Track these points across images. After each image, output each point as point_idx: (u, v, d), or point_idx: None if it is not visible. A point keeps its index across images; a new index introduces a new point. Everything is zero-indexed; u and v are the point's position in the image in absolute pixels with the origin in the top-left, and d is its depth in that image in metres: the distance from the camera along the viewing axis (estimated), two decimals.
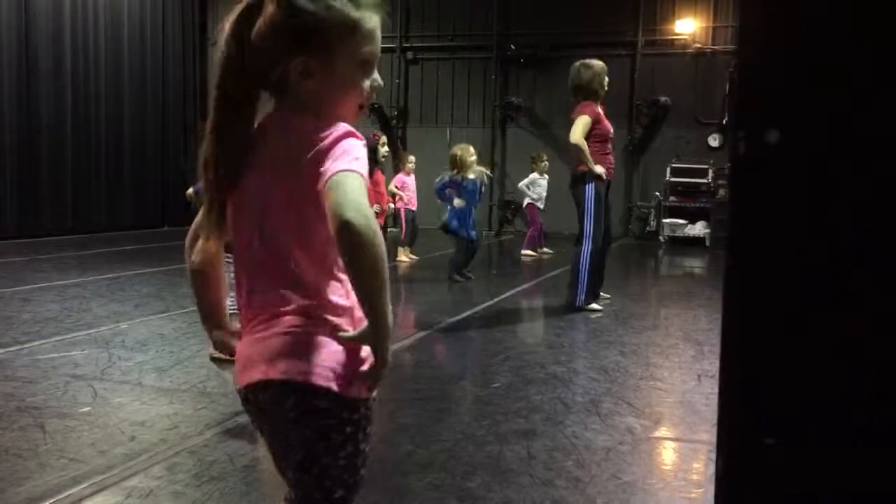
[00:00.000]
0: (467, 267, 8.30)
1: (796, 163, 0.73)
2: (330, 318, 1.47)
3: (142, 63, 14.34)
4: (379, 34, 1.55)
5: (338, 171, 1.37)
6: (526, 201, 11.18)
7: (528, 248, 11.04)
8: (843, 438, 0.73)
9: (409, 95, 15.60)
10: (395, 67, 15.42)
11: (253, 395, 1.56)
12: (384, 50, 13.26)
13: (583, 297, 6.43)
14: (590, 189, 6.33)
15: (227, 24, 1.53)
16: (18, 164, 11.85)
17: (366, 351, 1.45)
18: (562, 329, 5.88)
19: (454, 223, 8.09)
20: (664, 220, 13.64)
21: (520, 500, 2.76)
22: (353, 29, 1.49)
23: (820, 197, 0.72)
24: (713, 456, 3.22)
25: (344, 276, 1.48)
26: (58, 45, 12.48)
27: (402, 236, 9.89)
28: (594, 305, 6.51)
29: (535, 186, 11.06)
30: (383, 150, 7.21)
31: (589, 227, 6.36)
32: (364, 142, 1.48)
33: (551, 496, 2.80)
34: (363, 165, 1.42)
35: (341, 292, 1.49)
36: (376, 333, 1.39)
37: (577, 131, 6.25)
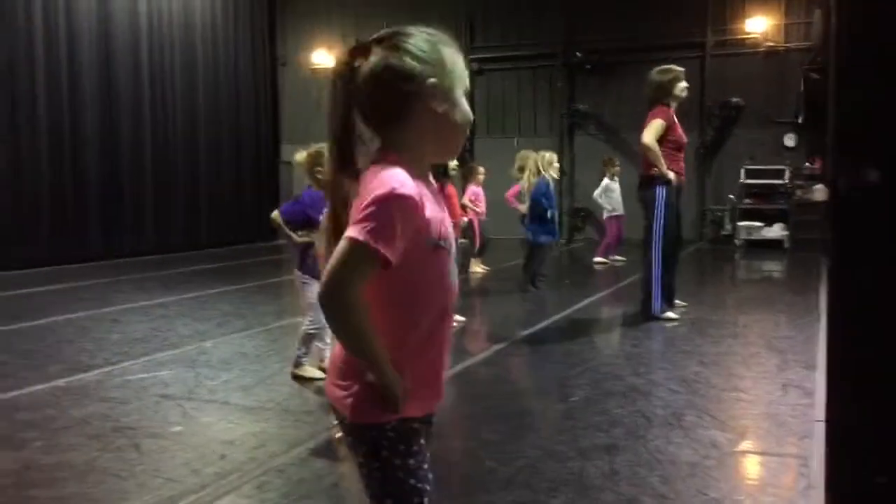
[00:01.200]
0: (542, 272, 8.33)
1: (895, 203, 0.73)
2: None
3: (215, 85, 14.75)
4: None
5: (346, 235, 1.50)
6: (605, 214, 11.08)
7: (601, 256, 10.94)
8: None
9: (476, 106, 15.65)
10: None
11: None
12: None
13: (658, 306, 6.35)
14: (660, 193, 6.25)
15: (333, 69, 1.63)
16: (101, 189, 12.31)
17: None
18: (638, 339, 5.82)
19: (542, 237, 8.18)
20: (739, 223, 13.35)
21: None
22: (450, 70, 1.58)
23: None
24: (802, 470, 3.17)
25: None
26: (136, 70, 12.94)
27: (476, 247, 9.90)
28: (670, 314, 6.42)
29: (610, 192, 10.95)
30: (452, 163, 7.23)
31: (658, 232, 6.28)
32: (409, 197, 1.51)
33: None
34: (380, 231, 1.48)
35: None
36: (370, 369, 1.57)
37: (650, 133, 6.22)
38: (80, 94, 11.91)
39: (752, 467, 3.32)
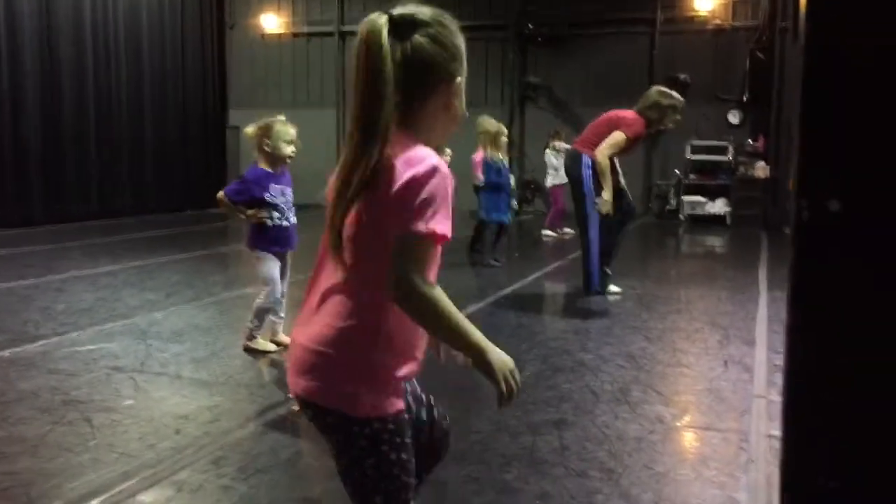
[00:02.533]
0: (496, 249, 8.35)
1: (856, 232, 0.79)
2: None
3: (161, 49, 14.42)
4: None
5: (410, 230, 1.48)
6: (550, 182, 11.20)
7: (549, 229, 11.08)
8: None
9: None
10: None
11: None
12: None
13: (597, 282, 6.46)
14: (586, 174, 6.22)
15: (369, 37, 1.53)
16: (43, 151, 12.00)
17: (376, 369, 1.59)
18: (587, 314, 5.95)
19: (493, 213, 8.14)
20: (684, 199, 13.63)
21: (556, 492, 2.84)
22: (462, 56, 1.63)
23: (879, 263, 0.79)
24: (743, 445, 3.32)
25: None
26: (78, 31, 12.58)
27: None
28: (612, 288, 6.57)
29: (553, 163, 11.07)
30: (448, 150, 7.03)
31: (591, 212, 6.26)
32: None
33: (586, 487, 2.89)
34: (440, 216, 1.49)
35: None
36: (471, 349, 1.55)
37: (608, 149, 6.07)
38: (19, 58, 11.58)
39: (695, 442, 3.46)
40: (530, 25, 14.56)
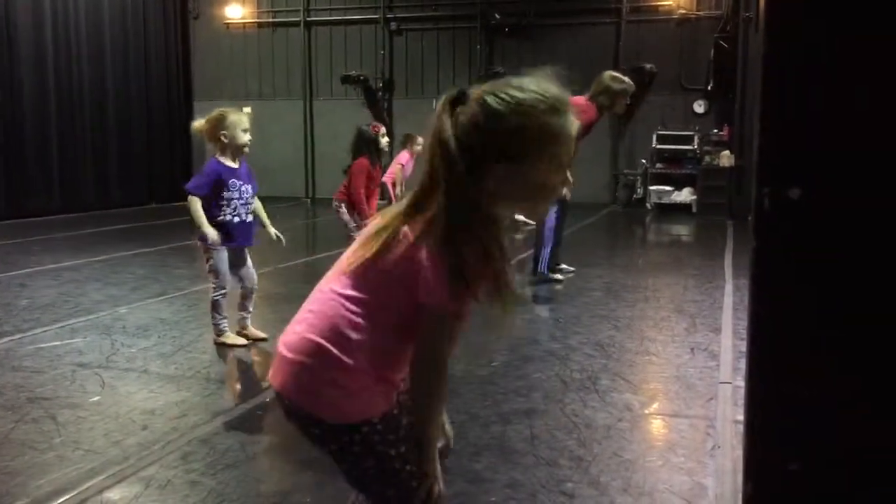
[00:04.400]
0: None
1: (817, 219, 0.80)
2: None
3: (123, 39, 14.20)
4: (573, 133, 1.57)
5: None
6: None
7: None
8: (863, 465, 0.81)
9: (395, 67, 15.53)
10: (379, 39, 15.33)
11: None
12: (367, 21, 13.14)
13: (545, 266, 6.58)
14: None
15: (440, 107, 1.59)
16: (4, 146, 11.78)
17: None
18: (555, 304, 5.98)
19: None
20: (651, 188, 13.74)
21: (526, 481, 2.86)
22: (555, 136, 1.53)
23: (839, 250, 0.80)
24: (710, 431, 3.36)
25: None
26: (37, 22, 12.34)
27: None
28: (558, 276, 6.66)
29: None
30: (384, 140, 6.87)
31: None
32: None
33: (556, 476, 2.91)
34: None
35: None
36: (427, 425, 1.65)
37: None
38: None
39: (663, 429, 3.50)
40: (497, 15, 14.56)
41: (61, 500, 2.71)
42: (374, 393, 1.61)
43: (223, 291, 4.64)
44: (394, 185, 9.61)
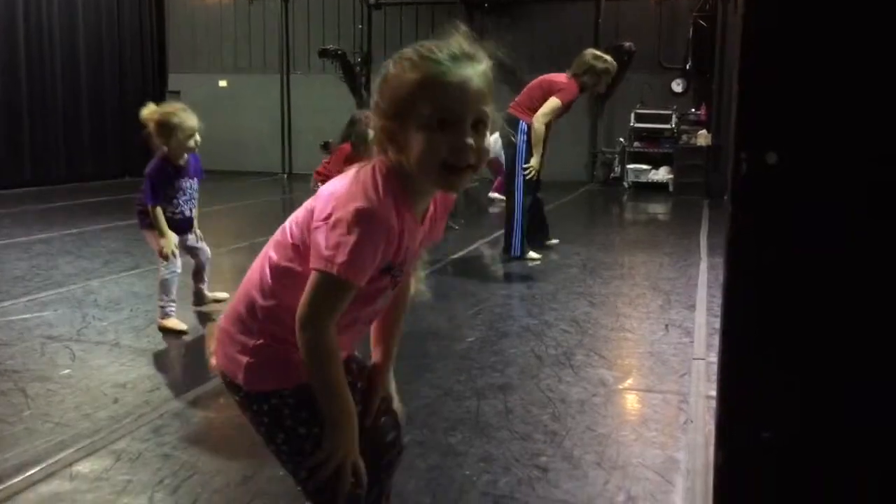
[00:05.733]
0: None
1: (793, 183, 0.79)
2: None
3: (96, 9, 13.92)
4: (467, 88, 1.49)
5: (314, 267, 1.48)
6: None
7: (496, 192, 11.07)
8: (836, 433, 0.81)
9: (373, 42, 15.38)
10: (358, 13, 15.17)
11: None
12: None
13: (519, 248, 6.58)
14: (522, 137, 6.32)
15: None
16: None
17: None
18: (532, 281, 5.99)
19: None
20: (628, 166, 13.76)
21: (500, 455, 2.86)
22: (427, 86, 1.47)
23: (816, 215, 0.79)
24: (682, 406, 3.38)
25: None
26: None
27: None
28: (532, 254, 6.67)
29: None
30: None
31: (520, 178, 6.39)
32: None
33: (529, 450, 2.91)
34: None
35: None
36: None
37: (545, 116, 6.19)
38: None
39: (636, 404, 3.52)
40: None
41: (30, 472, 2.68)
42: (285, 364, 1.57)
43: (175, 271, 4.42)
44: None
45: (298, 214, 1.60)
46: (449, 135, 1.44)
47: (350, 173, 1.55)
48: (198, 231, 4.71)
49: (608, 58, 6.43)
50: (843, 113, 0.81)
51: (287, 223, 1.63)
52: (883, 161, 0.78)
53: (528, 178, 6.32)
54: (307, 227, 1.53)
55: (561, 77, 6.32)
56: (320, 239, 1.45)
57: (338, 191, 1.50)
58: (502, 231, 7.08)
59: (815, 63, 0.82)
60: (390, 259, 1.54)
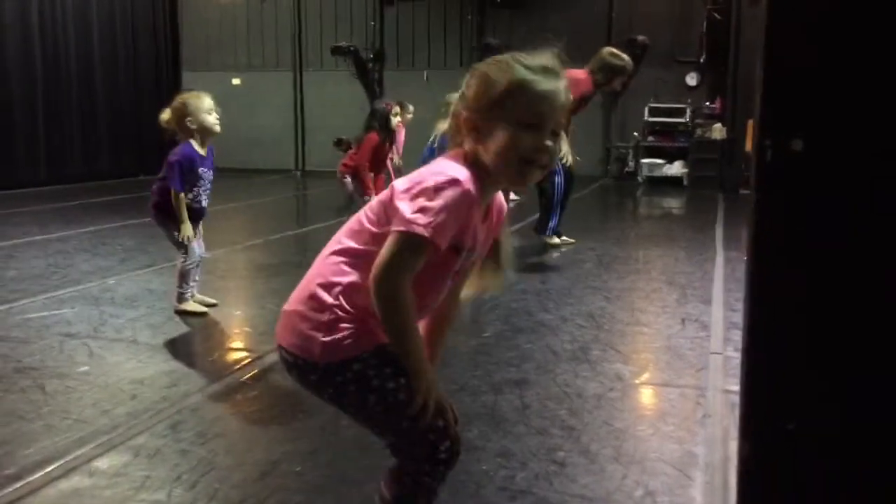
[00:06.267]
0: None
1: (818, 170, 0.78)
2: None
3: (110, 8, 13.97)
4: (555, 98, 1.67)
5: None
6: None
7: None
8: (857, 426, 0.80)
9: (385, 38, 15.38)
10: (370, 9, 15.17)
11: None
12: None
13: (553, 227, 6.65)
14: None
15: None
16: None
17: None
18: (547, 275, 5.97)
19: None
20: (642, 161, 13.71)
21: (517, 450, 2.86)
22: (521, 90, 1.66)
23: (840, 203, 0.78)
24: (700, 400, 3.36)
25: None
26: None
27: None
28: (556, 240, 6.71)
29: None
30: (396, 119, 6.85)
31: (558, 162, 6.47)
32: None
33: (546, 445, 2.90)
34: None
35: None
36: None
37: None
38: None
39: (653, 398, 3.50)
40: None
41: (50, 468, 2.69)
42: (361, 330, 1.67)
43: (195, 261, 4.59)
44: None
45: (373, 205, 1.73)
46: (532, 135, 1.62)
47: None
48: (201, 230, 4.74)
49: (625, 57, 6.42)
50: (866, 100, 0.80)
51: (361, 214, 1.76)
52: None
53: (563, 162, 6.41)
54: (386, 207, 1.65)
55: (581, 73, 6.33)
56: (403, 206, 1.58)
57: (420, 173, 1.64)
58: (515, 227, 7.08)
59: (839, 49, 0.81)
60: (461, 238, 1.64)
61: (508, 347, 4.09)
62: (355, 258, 1.69)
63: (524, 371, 3.73)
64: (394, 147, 9.63)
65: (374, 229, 1.68)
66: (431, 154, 7.88)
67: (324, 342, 1.66)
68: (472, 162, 1.66)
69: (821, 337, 0.83)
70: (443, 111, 7.78)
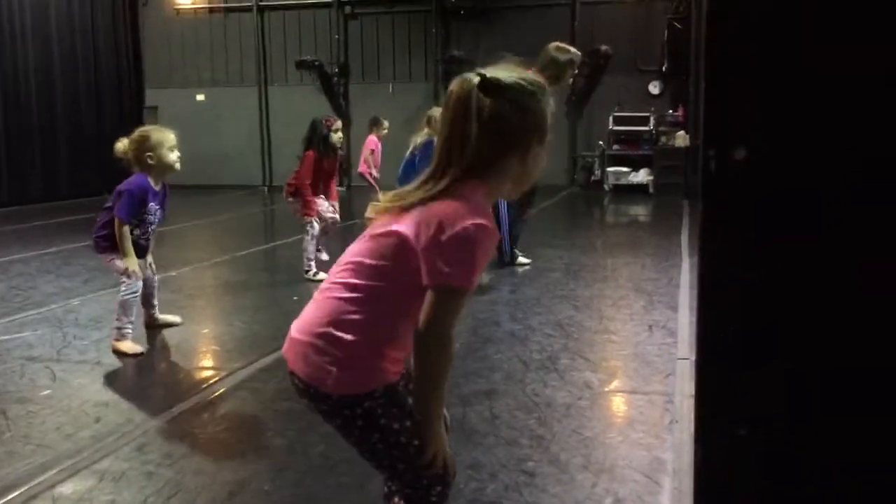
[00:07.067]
0: None
1: (762, 178, 0.79)
2: None
3: (70, 25, 13.84)
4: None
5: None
6: None
7: None
8: (811, 429, 0.81)
9: (350, 52, 15.39)
10: (334, 23, 15.18)
11: None
12: (321, 5, 12.96)
13: (508, 253, 6.56)
14: None
15: (460, 94, 1.66)
16: None
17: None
18: (515, 285, 5.99)
19: None
20: (608, 169, 13.83)
21: (486, 461, 2.85)
22: (544, 123, 1.71)
23: (784, 208, 0.79)
24: (668, 406, 3.38)
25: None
26: None
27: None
28: (522, 259, 6.66)
29: None
30: (335, 136, 6.30)
31: None
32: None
33: (516, 455, 2.90)
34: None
35: None
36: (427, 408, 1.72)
37: None
38: None
39: (622, 405, 3.52)
40: None
41: (11, 496, 2.64)
42: (375, 368, 1.70)
43: (136, 291, 4.35)
44: (369, 170, 9.66)
45: (377, 239, 1.71)
46: (544, 152, 1.71)
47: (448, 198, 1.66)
48: (149, 257, 4.60)
49: (571, 49, 6.37)
50: (809, 106, 0.82)
51: (362, 247, 1.74)
52: (849, 153, 0.78)
53: None
54: (401, 250, 1.65)
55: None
56: (437, 257, 1.58)
57: (442, 211, 1.61)
58: None
59: (779, 59, 0.82)
60: None
61: (477, 358, 4.09)
62: (364, 294, 1.69)
63: (493, 381, 3.73)
64: (368, 159, 9.65)
65: (379, 263, 1.69)
66: (413, 167, 7.79)
67: (338, 377, 1.68)
68: (485, 192, 1.68)
69: (771, 342, 0.85)
70: (432, 123, 7.43)
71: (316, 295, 1.79)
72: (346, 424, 1.73)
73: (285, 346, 1.78)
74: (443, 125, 1.70)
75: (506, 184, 1.72)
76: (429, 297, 1.62)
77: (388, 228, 1.68)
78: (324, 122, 6.33)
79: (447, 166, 1.66)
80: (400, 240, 1.65)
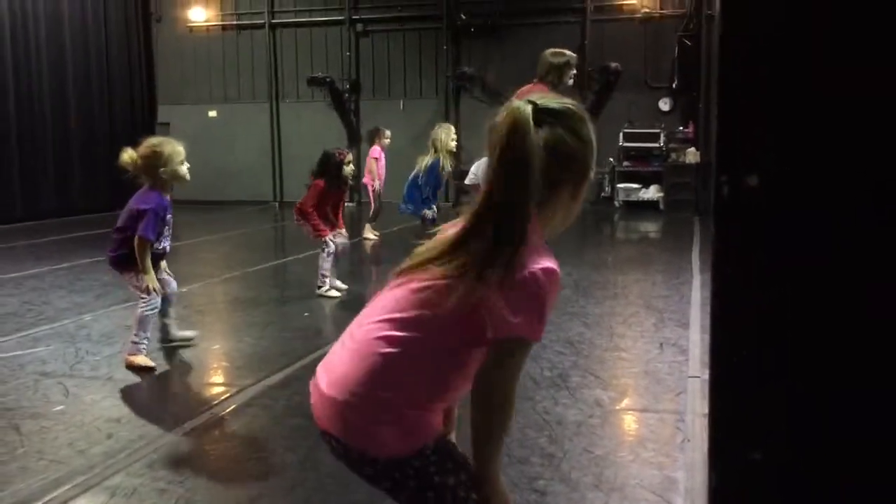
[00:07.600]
0: None
1: (774, 203, 0.80)
2: None
3: (84, 42, 13.97)
4: None
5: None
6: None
7: None
8: (822, 454, 0.81)
9: (361, 69, 15.48)
10: (346, 41, 15.27)
11: None
12: (333, 23, 13.05)
13: None
14: None
15: (515, 125, 1.51)
16: None
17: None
18: None
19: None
20: (618, 185, 13.82)
21: None
22: (591, 149, 1.64)
23: (798, 235, 0.80)
24: (680, 425, 3.37)
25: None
26: None
27: (371, 212, 10.03)
28: None
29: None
30: (347, 168, 6.22)
31: None
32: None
33: (527, 474, 2.90)
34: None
35: None
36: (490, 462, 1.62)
37: None
38: None
39: (633, 424, 3.51)
40: (463, 16, 14.57)
41: None
42: (424, 424, 1.58)
43: (155, 306, 4.37)
44: (372, 182, 9.78)
45: (421, 290, 1.57)
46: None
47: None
48: (163, 263, 4.62)
49: (566, 51, 6.40)
50: (823, 133, 0.83)
51: (397, 299, 1.60)
52: (859, 176, 0.79)
53: None
54: (439, 291, 1.52)
55: (528, 87, 6.33)
56: (503, 307, 1.45)
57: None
58: None
59: (793, 84, 0.83)
60: None
61: None
62: (412, 350, 1.55)
63: None
64: (372, 170, 9.73)
65: (428, 314, 1.54)
66: (417, 187, 7.79)
67: (385, 440, 1.54)
68: (538, 227, 1.56)
69: (783, 364, 0.85)
70: (437, 145, 7.48)
71: (348, 342, 1.62)
72: (397, 487, 1.58)
73: (314, 398, 1.62)
74: (493, 158, 1.53)
75: (555, 220, 1.61)
76: (493, 351, 1.49)
77: (449, 277, 1.51)
78: (337, 154, 6.25)
79: (512, 219, 1.50)
80: (466, 291, 1.48)
